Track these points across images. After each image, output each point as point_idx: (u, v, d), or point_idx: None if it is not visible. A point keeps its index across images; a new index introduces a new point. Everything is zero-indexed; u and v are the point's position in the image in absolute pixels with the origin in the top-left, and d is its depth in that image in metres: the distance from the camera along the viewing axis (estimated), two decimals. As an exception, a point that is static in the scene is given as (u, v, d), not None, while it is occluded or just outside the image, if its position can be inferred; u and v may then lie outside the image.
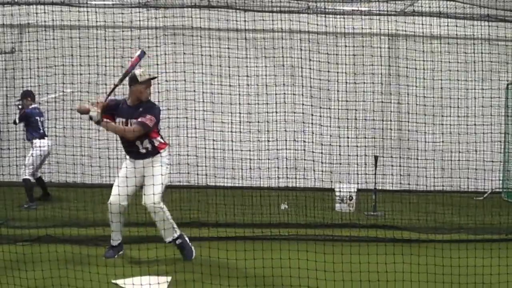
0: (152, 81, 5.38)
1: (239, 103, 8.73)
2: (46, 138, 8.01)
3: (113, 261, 5.22)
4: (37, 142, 7.84)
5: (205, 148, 8.85)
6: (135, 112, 5.21)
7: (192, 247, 5.45)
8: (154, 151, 5.28)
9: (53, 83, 8.46)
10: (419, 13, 7.88)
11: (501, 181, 9.43)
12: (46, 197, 8.13)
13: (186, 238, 5.45)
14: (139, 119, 5.13)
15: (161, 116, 5.42)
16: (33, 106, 8.00)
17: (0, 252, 5.22)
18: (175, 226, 5.35)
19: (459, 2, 7.49)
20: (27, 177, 7.76)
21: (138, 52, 5.27)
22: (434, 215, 7.47)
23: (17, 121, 7.95)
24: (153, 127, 5.20)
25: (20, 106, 8.00)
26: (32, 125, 7.89)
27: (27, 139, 7.99)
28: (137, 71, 5.24)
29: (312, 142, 8.79)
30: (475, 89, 9.17)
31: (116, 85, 5.22)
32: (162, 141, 5.38)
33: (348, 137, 8.88)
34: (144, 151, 5.25)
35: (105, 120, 5.13)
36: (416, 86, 9.04)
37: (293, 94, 9.16)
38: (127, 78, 5.25)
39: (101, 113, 5.02)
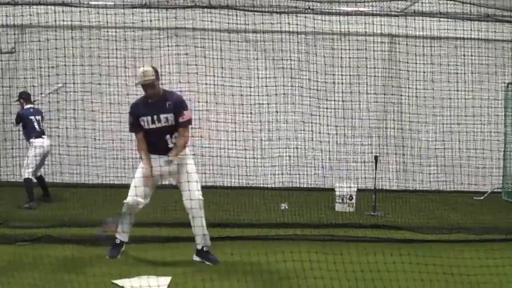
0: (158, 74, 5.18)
1: (240, 103, 8.75)
2: (44, 137, 7.98)
3: (113, 261, 5.21)
4: (34, 141, 7.84)
5: (205, 147, 8.88)
6: (162, 108, 5.07)
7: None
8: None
9: (53, 83, 8.48)
10: (419, 14, 7.88)
11: (501, 181, 9.43)
12: (46, 197, 8.11)
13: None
14: (183, 120, 5.05)
15: None
16: (27, 106, 8.00)
17: (0, 252, 5.22)
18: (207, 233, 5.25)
19: (459, 2, 7.48)
20: (28, 176, 7.74)
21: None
22: (434, 215, 7.47)
23: (14, 123, 8.00)
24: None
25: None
26: (28, 125, 7.89)
27: (25, 139, 7.99)
28: (139, 70, 5.06)
29: (313, 142, 8.81)
30: (475, 89, 9.18)
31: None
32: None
33: (348, 137, 8.90)
34: (172, 145, 5.12)
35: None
36: (416, 86, 9.05)
37: (294, 94, 9.17)
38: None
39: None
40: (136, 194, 5.10)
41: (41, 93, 8.21)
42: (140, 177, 5.15)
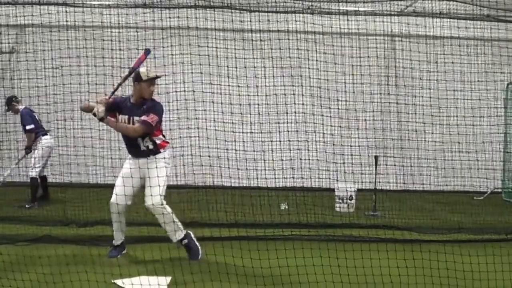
0: (156, 80, 5.35)
1: (240, 104, 8.74)
2: (48, 134, 7.95)
3: (113, 261, 5.21)
4: (41, 139, 7.77)
5: (205, 148, 8.87)
6: (138, 110, 5.21)
7: (199, 248, 5.43)
8: (155, 150, 5.27)
9: (53, 83, 8.49)
10: (419, 13, 7.88)
11: (501, 181, 9.42)
12: (45, 197, 8.08)
13: (194, 238, 5.45)
14: (143, 118, 5.13)
15: (164, 115, 5.42)
16: (22, 106, 7.92)
17: (0, 252, 5.22)
18: (180, 226, 5.36)
19: (459, 2, 7.48)
20: (34, 175, 7.70)
21: (144, 51, 5.29)
22: (434, 215, 7.47)
23: (28, 127, 7.72)
24: (155, 126, 5.21)
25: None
26: (33, 124, 7.80)
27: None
28: (141, 69, 5.25)
29: (313, 142, 8.80)
30: (475, 89, 9.18)
31: (120, 83, 5.23)
32: (164, 140, 5.39)
33: (348, 137, 8.89)
34: (144, 148, 5.24)
35: (108, 117, 5.09)
36: (416, 87, 9.06)
37: (294, 94, 9.16)
38: (131, 76, 5.25)
39: (105, 110, 5.00)
40: (120, 194, 5.23)
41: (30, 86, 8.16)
42: (127, 177, 5.28)
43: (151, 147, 5.26)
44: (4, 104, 8.05)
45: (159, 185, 5.17)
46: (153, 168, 5.20)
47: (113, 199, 5.27)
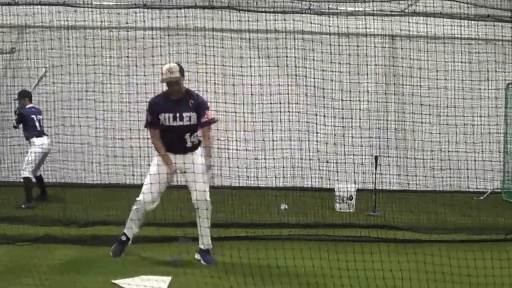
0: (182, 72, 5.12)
1: (240, 104, 8.75)
2: (44, 136, 7.96)
3: (113, 261, 5.21)
4: (35, 140, 7.80)
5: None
6: (185, 106, 5.03)
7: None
8: (198, 145, 5.17)
9: (53, 83, 8.50)
10: (419, 13, 7.88)
11: (501, 181, 9.42)
12: (44, 196, 8.09)
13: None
14: (206, 119, 5.05)
15: None
16: (29, 105, 7.96)
17: (0, 252, 5.22)
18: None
19: (459, 2, 7.49)
20: (27, 175, 7.72)
21: None
22: (434, 215, 7.47)
23: (15, 124, 7.93)
24: None
25: (16, 111, 7.97)
26: (29, 124, 7.84)
27: (26, 138, 7.97)
28: (165, 67, 5.05)
29: (313, 142, 8.81)
30: (475, 89, 9.18)
31: None
32: None
33: (348, 137, 8.90)
34: (190, 145, 5.12)
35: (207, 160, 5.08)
36: (417, 86, 9.06)
37: (294, 94, 9.16)
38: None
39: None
40: (151, 192, 5.06)
41: (29, 86, 8.18)
42: (155, 174, 5.09)
43: (196, 142, 5.16)
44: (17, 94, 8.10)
45: (203, 181, 5.06)
46: (198, 163, 5.05)
47: (148, 197, 5.09)
